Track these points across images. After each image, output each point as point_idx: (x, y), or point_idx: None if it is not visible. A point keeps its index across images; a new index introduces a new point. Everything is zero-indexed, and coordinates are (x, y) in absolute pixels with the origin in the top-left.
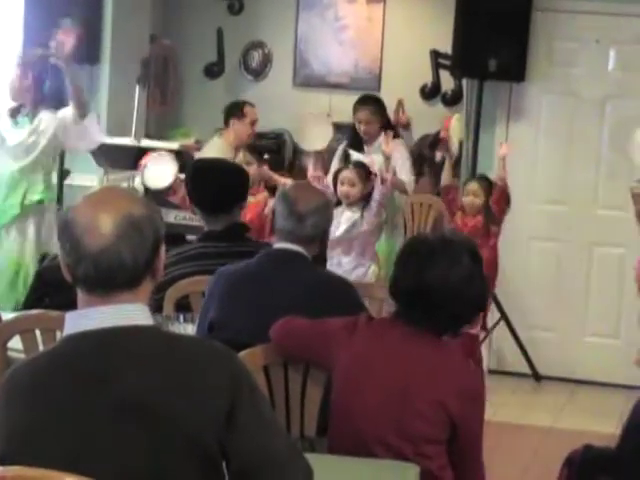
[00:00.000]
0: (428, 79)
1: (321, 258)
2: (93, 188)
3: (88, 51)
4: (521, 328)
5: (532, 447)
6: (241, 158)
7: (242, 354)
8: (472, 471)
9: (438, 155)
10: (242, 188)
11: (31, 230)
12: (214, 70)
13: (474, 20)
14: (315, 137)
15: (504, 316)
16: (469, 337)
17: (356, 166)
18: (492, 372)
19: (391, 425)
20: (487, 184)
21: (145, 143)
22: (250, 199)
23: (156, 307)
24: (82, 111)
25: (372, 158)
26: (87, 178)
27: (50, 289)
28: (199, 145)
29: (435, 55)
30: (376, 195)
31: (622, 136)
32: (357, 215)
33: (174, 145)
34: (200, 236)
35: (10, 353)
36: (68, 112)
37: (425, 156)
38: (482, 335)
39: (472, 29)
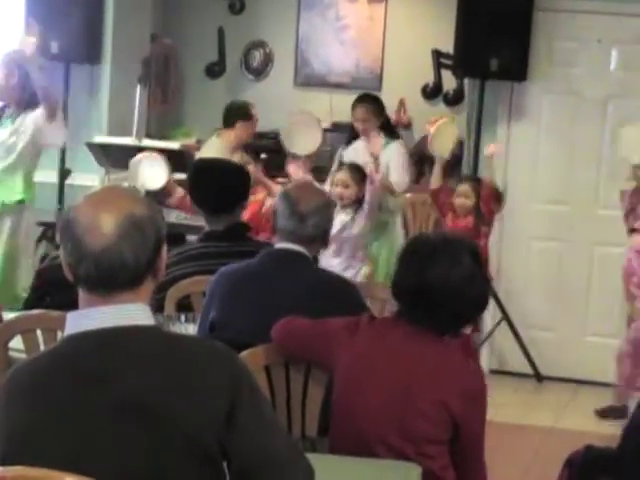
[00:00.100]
0: (430, 79)
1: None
2: (94, 188)
3: (89, 51)
4: (522, 328)
5: (534, 447)
6: (238, 158)
7: (243, 354)
8: (474, 471)
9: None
10: (244, 188)
11: (6, 228)
12: (215, 70)
13: (476, 20)
14: (304, 142)
15: (505, 316)
16: (467, 337)
17: (350, 168)
18: (494, 372)
19: (393, 425)
20: (478, 185)
21: (146, 143)
22: (250, 198)
23: (157, 307)
24: (50, 111)
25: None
26: (88, 178)
27: (51, 288)
28: (200, 145)
29: (437, 55)
30: (367, 196)
31: None
32: (349, 217)
33: (175, 145)
34: (201, 236)
35: (11, 353)
36: (39, 112)
37: (426, 156)
38: (478, 336)
39: (474, 29)
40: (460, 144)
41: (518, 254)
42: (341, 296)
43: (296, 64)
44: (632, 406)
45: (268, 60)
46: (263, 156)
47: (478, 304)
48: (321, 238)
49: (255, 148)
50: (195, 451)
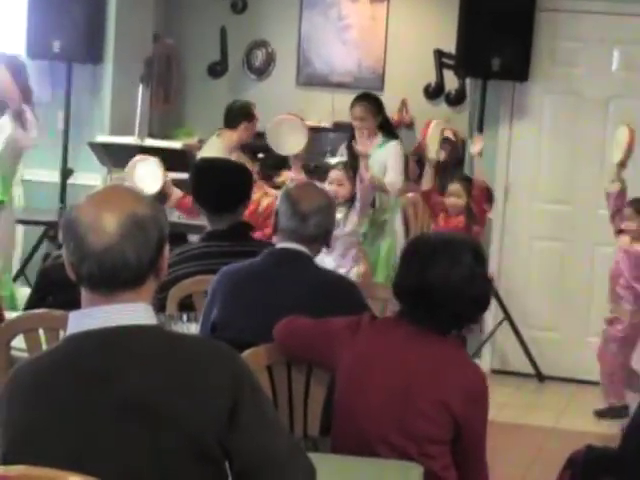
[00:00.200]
0: (432, 79)
1: None
2: (96, 187)
3: (91, 50)
4: (524, 328)
5: (535, 447)
6: (235, 158)
7: (245, 354)
8: (475, 471)
9: (441, 154)
10: (246, 187)
11: None
12: (217, 69)
13: (478, 20)
14: (290, 144)
15: (507, 316)
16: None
17: (345, 166)
18: (495, 372)
19: (394, 425)
20: (468, 184)
21: (148, 142)
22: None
23: (159, 306)
24: (15, 115)
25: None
26: (90, 177)
27: (53, 288)
28: (202, 144)
29: (439, 55)
30: (357, 194)
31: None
32: (341, 215)
33: (177, 144)
34: (203, 235)
35: (13, 352)
36: (7, 117)
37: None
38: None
39: (476, 29)
40: (462, 144)
41: (520, 254)
42: (343, 296)
43: (298, 64)
44: (633, 406)
45: (270, 60)
46: (260, 156)
47: (479, 304)
48: (323, 238)
49: (253, 148)
50: (197, 451)
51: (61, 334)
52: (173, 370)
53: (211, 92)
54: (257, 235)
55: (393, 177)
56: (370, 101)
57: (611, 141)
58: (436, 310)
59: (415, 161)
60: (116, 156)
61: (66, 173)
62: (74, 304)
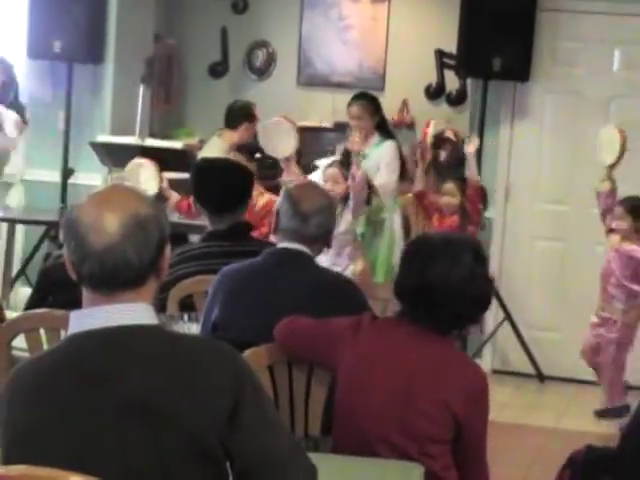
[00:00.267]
0: (433, 79)
1: None
2: (97, 187)
3: (92, 50)
4: (525, 328)
5: (536, 447)
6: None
7: (246, 354)
8: (476, 471)
9: (442, 154)
10: (247, 187)
11: None
12: (218, 69)
13: (479, 20)
14: (281, 147)
15: (508, 316)
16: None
17: (340, 164)
18: (496, 372)
19: (395, 424)
20: (462, 184)
21: (149, 142)
22: None
23: (160, 307)
24: None
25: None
26: (91, 177)
27: (54, 288)
28: (203, 145)
29: (440, 55)
30: (350, 192)
31: (627, 136)
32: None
33: (178, 144)
34: (204, 235)
35: (14, 352)
36: None
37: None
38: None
39: (477, 29)
40: (463, 144)
41: (521, 254)
42: (344, 296)
43: (299, 64)
44: (634, 405)
45: (271, 60)
46: (258, 156)
47: (480, 304)
48: (324, 238)
49: (250, 148)
50: (198, 451)
51: (62, 334)
52: (174, 370)
53: (212, 92)
54: (253, 234)
55: (384, 178)
56: (368, 100)
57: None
58: (436, 310)
59: (414, 161)
60: (117, 156)
61: (67, 173)
62: (75, 304)
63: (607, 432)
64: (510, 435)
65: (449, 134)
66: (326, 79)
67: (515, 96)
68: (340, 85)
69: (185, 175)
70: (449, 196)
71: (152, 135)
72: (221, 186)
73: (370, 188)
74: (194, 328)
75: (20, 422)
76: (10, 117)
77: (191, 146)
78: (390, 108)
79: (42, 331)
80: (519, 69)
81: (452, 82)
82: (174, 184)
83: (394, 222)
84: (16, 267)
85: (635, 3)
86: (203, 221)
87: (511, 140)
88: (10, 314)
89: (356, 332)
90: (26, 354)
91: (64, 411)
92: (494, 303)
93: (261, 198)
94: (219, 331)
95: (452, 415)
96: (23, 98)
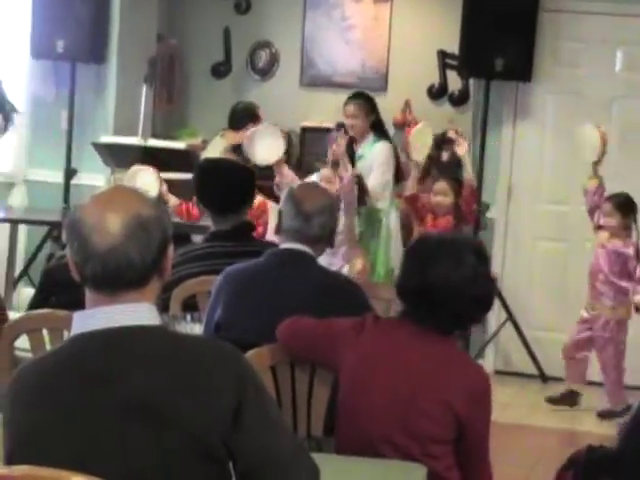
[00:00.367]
0: (435, 79)
1: None
2: (100, 187)
3: (95, 50)
4: (527, 328)
5: (538, 447)
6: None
7: (249, 354)
8: (479, 471)
9: (444, 155)
10: (250, 187)
11: None
12: (221, 70)
13: (481, 20)
14: (267, 152)
15: (510, 316)
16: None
17: (334, 165)
18: (498, 372)
19: (398, 425)
20: (456, 184)
21: (152, 142)
22: None
23: (163, 307)
24: None
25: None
26: (94, 177)
27: (57, 288)
28: (206, 145)
29: (442, 55)
30: (340, 193)
31: (629, 137)
32: None
33: (181, 145)
34: (207, 236)
35: (17, 352)
36: None
37: (432, 156)
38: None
39: (479, 29)
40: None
41: (523, 254)
42: (347, 296)
43: (302, 64)
44: (634, 405)
45: (274, 60)
46: None
47: (482, 304)
48: (327, 238)
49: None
50: (201, 451)
51: (65, 334)
52: (177, 370)
53: (215, 92)
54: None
55: (377, 179)
56: (364, 99)
57: (613, 142)
58: (439, 310)
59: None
60: (119, 156)
61: (70, 173)
62: (78, 304)
63: (610, 433)
64: (512, 435)
65: (451, 134)
66: (329, 79)
67: (517, 96)
68: (343, 85)
69: (188, 175)
70: (441, 196)
71: (155, 135)
72: (224, 186)
73: (362, 189)
74: (197, 328)
75: (23, 422)
76: None
77: (194, 146)
78: (392, 108)
79: (45, 332)
80: (521, 69)
81: (454, 82)
82: (177, 184)
83: (391, 222)
84: (19, 267)
85: (637, 4)
86: (206, 221)
87: (513, 140)
88: (13, 315)
89: (359, 332)
90: (29, 354)
91: (67, 411)
92: (496, 303)
93: (259, 198)
94: (222, 331)
95: (454, 415)
96: (24, 98)
